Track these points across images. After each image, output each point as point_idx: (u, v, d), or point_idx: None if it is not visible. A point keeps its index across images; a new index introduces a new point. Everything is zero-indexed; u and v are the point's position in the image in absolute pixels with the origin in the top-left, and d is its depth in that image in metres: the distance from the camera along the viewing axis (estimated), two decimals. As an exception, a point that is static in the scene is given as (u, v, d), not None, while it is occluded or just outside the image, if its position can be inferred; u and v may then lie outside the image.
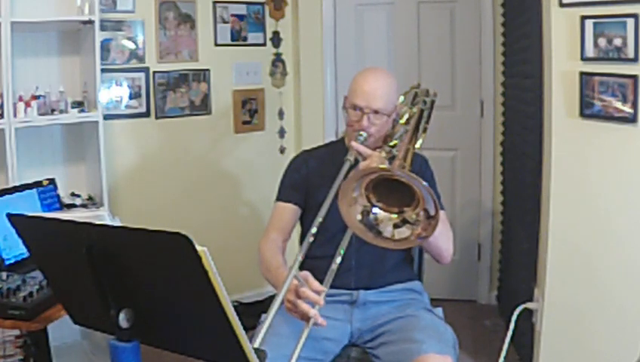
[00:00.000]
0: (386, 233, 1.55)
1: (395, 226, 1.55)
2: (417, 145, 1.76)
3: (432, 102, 2.01)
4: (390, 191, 1.52)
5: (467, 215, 3.69)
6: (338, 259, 1.70)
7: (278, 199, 2.09)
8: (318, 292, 1.60)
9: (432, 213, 1.48)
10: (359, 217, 1.55)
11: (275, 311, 1.44)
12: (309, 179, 2.06)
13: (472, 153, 3.65)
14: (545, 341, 2.46)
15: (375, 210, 1.56)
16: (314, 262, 1.89)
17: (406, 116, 1.95)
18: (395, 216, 1.55)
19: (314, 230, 1.62)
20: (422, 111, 1.92)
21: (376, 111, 1.92)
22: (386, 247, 1.58)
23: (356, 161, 1.79)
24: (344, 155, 1.83)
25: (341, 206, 1.54)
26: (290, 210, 2.05)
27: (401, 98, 2.05)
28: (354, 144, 1.83)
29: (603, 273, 2.28)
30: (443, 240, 1.89)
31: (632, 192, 2.18)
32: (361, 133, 1.91)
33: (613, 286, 2.25)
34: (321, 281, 1.70)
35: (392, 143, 1.93)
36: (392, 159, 1.82)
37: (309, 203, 2.04)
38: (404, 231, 1.54)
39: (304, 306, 1.57)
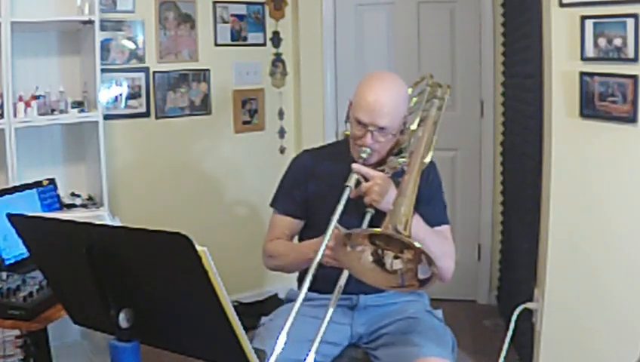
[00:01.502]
0: (387, 264, 1.53)
1: (395, 257, 1.52)
2: (427, 160, 1.69)
3: (444, 100, 1.94)
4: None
5: (467, 215, 3.69)
6: (342, 281, 1.69)
7: (278, 210, 2.04)
8: None
9: (424, 276, 1.45)
10: (371, 259, 1.52)
11: (312, 275, 1.54)
12: (310, 188, 1.99)
13: (472, 153, 3.65)
14: (545, 341, 2.46)
15: (380, 250, 1.54)
16: (319, 270, 1.90)
17: (416, 122, 1.84)
18: (394, 253, 1.53)
19: (318, 259, 1.61)
20: (435, 122, 1.84)
21: (381, 128, 1.79)
22: (379, 287, 1.56)
23: (358, 183, 1.73)
24: (347, 162, 1.78)
25: (349, 267, 1.53)
26: (289, 223, 2.01)
27: (409, 90, 1.93)
28: (355, 167, 1.74)
29: (603, 273, 2.28)
30: (444, 260, 1.81)
31: (632, 192, 2.18)
32: (365, 149, 1.80)
33: (613, 286, 2.25)
34: (331, 292, 1.69)
35: (400, 159, 1.82)
36: (397, 175, 1.76)
37: (309, 212, 1.99)
38: (397, 264, 1.51)
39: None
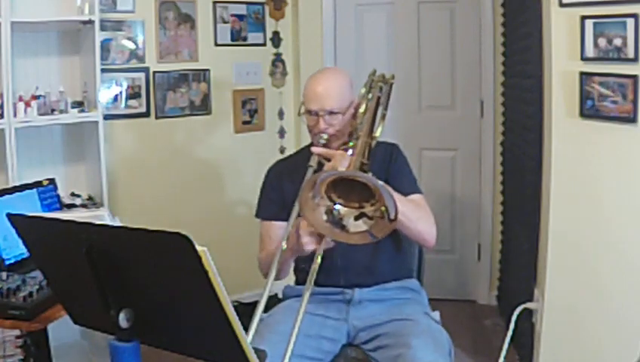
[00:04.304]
0: (349, 226, 1.58)
1: (355, 219, 1.58)
2: (377, 134, 1.78)
3: (390, 85, 2.00)
4: (352, 187, 1.55)
5: (467, 215, 3.69)
6: (318, 260, 1.72)
7: (264, 218, 2.09)
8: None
9: (392, 215, 1.50)
10: (325, 217, 1.59)
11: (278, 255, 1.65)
12: (284, 192, 2.04)
13: (472, 153, 3.65)
14: (545, 341, 2.46)
15: (337, 206, 1.59)
16: (301, 263, 1.92)
17: (364, 106, 1.94)
18: (355, 210, 1.58)
19: (284, 245, 1.70)
20: (378, 98, 1.92)
21: (331, 112, 1.92)
22: (347, 243, 1.61)
23: (320, 165, 1.80)
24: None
25: (305, 214, 1.58)
26: (275, 227, 2.05)
27: (363, 90, 2.03)
28: (314, 149, 1.84)
29: (603, 273, 2.28)
30: (423, 224, 1.88)
31: (632, 192, 2.18)
32: (322, 135, 1.92)
33: (613, 286, 2.25)
34: (325, 284, 1.76)
35: (357, 137, 1.89)
36: None
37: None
38: (360, 225, 1.57)
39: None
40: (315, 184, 1.54)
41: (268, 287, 1.63)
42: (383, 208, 1.51)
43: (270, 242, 2.04)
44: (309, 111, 1.96)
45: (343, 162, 1.73)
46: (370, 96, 1.96)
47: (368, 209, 1.55)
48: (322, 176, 1.55)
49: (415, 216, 1.83)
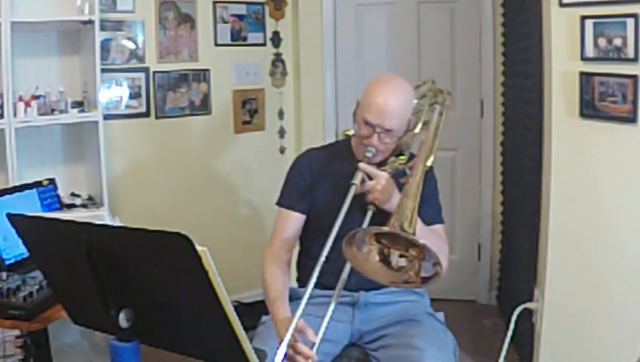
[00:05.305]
0: (393, 263, 1.59)
1: (400, 256, 1.58)
2: (429, 163, 1.74)
3: (444, 106, 1.98)
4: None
5: (467, 215, 3.69)
6: (345, 274, 1.73)
7: (283, 205, 2.03)
8: (312, 343, 1.62)
9: (427, 274, 1.51)
10: (377, 258, 1.59)
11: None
12: (314, 186, 2.01)
13: (472, 153, 3.65)
14: (545, 341, 2.46)
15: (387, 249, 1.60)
16: (322, 265, 1.91)
17: (418, 128, 1.88)
18: (400, 251, 1.59)
19: (323, 258, 1.65)
20: (437, 125, 1.88)
21: (388, 130, 1.83)
22: (383, 283, 1.62)
23: (362, 182, 1.78)
24: (351, 162, 1.82)
25: (359, 268, 1.58)
26: (294, 218, 2.00)
27: (415, 102, 1.97)
28: (362, 166, 1.78)
29: (603, 273, 2.27)
30: (440, 258, 1.84)
31: (632, 192, 2.18)
32: (370, 149, 1.84)
33: (613, 286, 2.25)
34: (332, 287, 1.74)
35: (401, 159, 1.88)
36: (398, 175, 1.82)
37: (312, 209, 2.00)
38: (402, 261, 1.58)
39: (300, 360, 1.60)
40: (355, 238, 1.55)
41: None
42: (417, 267, 1.53)
43: (282, 230, 1.99)
44: (365, 121, 1.85)
45: (387, 188, 1.75)
46: (427, 110, 1.92)
47: (411, 253, 1.55)
48: (369, 230, 1.56)
49: (435, 250, 1.78)
